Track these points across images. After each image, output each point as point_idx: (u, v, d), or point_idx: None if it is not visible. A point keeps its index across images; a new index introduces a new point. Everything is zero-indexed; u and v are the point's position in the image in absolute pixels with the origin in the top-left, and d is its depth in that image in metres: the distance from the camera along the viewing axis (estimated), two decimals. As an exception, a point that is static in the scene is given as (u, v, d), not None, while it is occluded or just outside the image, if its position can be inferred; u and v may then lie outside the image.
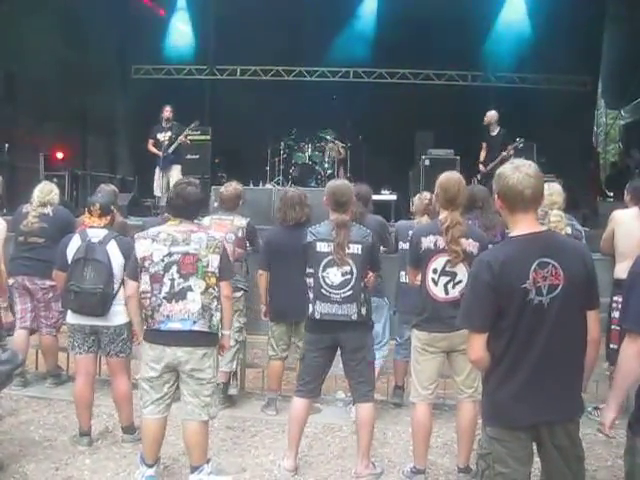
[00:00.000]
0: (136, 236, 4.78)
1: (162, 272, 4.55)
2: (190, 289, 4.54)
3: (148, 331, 4.65)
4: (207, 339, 4.61)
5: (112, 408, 5.75)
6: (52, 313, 6.68)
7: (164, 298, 4.54)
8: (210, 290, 4.58)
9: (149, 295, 4.58)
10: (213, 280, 4.59)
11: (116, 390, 5.54)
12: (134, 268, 4.70)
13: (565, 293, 3.07)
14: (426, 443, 4.92)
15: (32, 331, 6.76)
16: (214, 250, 4.60)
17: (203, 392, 4.63)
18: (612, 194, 14.66)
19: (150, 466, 4.75)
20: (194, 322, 4.54)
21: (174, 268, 4.54)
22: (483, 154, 11.78)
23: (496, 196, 3.26)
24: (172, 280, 4.54)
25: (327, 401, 6.48)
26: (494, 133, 11.76)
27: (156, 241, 4.59)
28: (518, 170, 3.16)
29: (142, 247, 4.64)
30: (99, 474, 4.96)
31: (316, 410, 6.15)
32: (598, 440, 5.01)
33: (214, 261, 4.58)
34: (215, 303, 4.62)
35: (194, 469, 4.70)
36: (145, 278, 4.60)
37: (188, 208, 4.73)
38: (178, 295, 4.53)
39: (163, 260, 4.55)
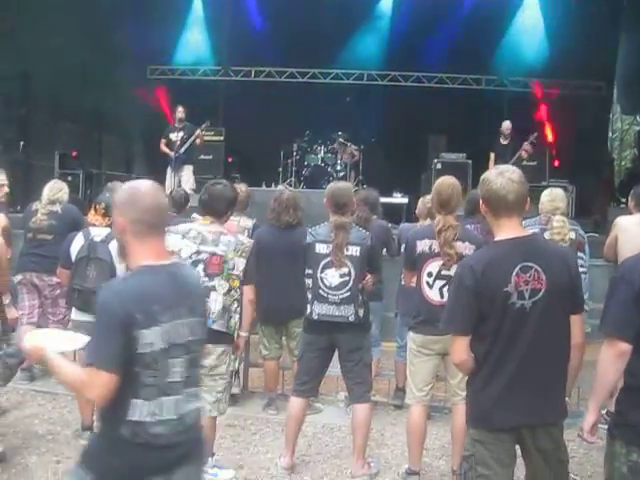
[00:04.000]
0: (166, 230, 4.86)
1: None
2: (214, 289, 4.63)
3: None
4: (225, 338, 4.71)
5: (114, 403, 5.83)
6: (59, 309, 6.76)
7: None
8: (232, 292, 4.69)
9: None
10: (237, 283, 4.70)
11: (118, 385, 5.62)
12: None
13: (547, 297, 3.11)
14: (421, 444, 4.96)
15: (39, 327, 6.85)
16: (241, 254, 4.71)
17: (217, 388, 4.74)
18: (625, 200, 14.57)
19: None
20: (213, 321, 4.61)
21: (200, 266, 4.63)
22: (492, 164, 11.81)
23: (481, 201, 3.31)
24: None
25: (328, 401, 6.53)
26: (505, 142, 11.89)
27: (186, 237, 4.70)
28: (502, 175, 3.21)
29: (171, 242, 4.68)
30: (99, 468, 5.05)
31: (317, 410, 6.23)
32: (595, 446, 5.02)
33: (240, 265, 4.69)
34: (235, 305, 4.72)
35: None
36: None
37: (217, 207, 4.84)
38: None
39: (191, 257, 4.65)
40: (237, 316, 4.75)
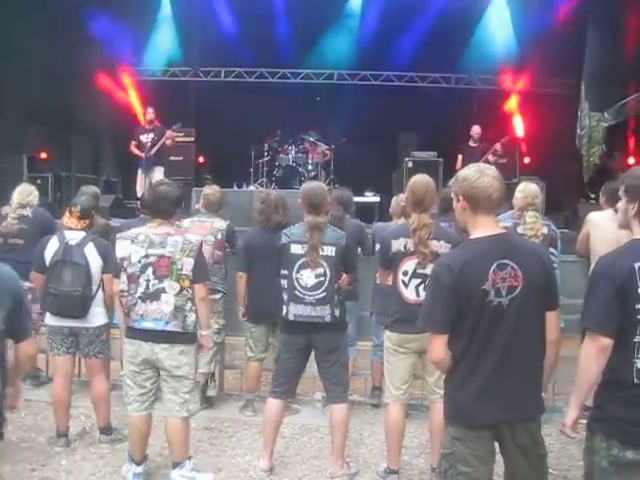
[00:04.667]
0: (117, 236, 4.92)
1: (138, 273, 4.66)
2: (164, 291, 4.65)
3: (127, 328, 4.79)
4: (182, 338, 4.70)
5: (90, 409, 5.79)
6: (31, 315, 6.67)
7: (139, 298, 4.67)
8: (184, 292, 4.68)
9: (126, 294, 4.72)
10: (187, 282, 4.67)
11: (94, 390, 5.58)
12: (117, 267, 4.84)
13: (524, 294, 3.14)
14: (399, 443, 4.97)
15: (11, 333, 6.75)
16: (188, 253, 4.67)
17: (182, 389, 4.74)
18: (594, 196, 14.73)
19: (138, 463, 4.86)
20: (167, 322, 4.65)
21: (150, 269, 4.65)
22: (459, 165, 11.93)
23: (460, 198, 3.30)
24: (147, 281, 4.66)
25: (305, 402, 6.53)
26: (474, 145, 12.07)
27: (135, 242, 4.70)
28: (484, 174, 3.23)
29: (121, 248, 4.76)
30: (75, 475, 5.01)
31: (294, 411, 6.21)
32: (572, 440, 5.07)
33: (188, 264, 4.66)
34: (189, 304, 4.70)
35: (175, 465, 4.82)
36: (123, 278, 4.75)
37: (162, 207, 4.82)
38: (152, 296, 4.65)
39: (140, 261, 4.67)
40: (193, 315, 4.72)
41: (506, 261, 3.14)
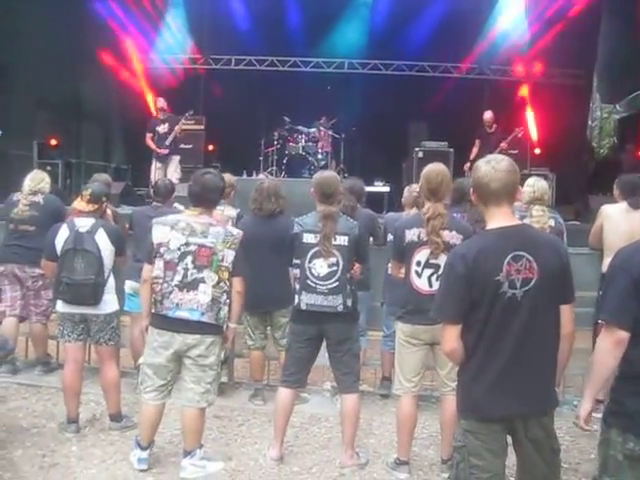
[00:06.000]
0: (154, 221, 4.86)
1: (177, 260, 4.64)
2: (203, 281, 4.63)
3: (156, 316, 4.74)
4: (214, 329, 4.72)
5: (100, 396, 5.79)
6: (42, 301, 6.71)
7: (176, 286, 4.63)
8: (221, 284, 4.68)
9: (161, 281, 4.67)
10: (226, 274, 4.69)
11: (104, 378, 5.57)
12: (150, 252, 4.78)
13: (539, 287, 3.11)
14: (410, 435, 4.97)
15: (22, 319, 6.78)
16: (230, 245, 4.69)
17: (205, 379, 4.74)
18: (605, 189, 14.63)
19: (144, 448, 4.86)
20: (202, 313, 4.64)
21: (189, 258, 4.64)
22: (475, 151, 11.90)
23: (472, 189, 3.31)
24: (186, 270, 4.64)
25: (314, 391, 6.51)
26: (491, 130, 12.03)
27: (175, 229, 4.68)
28: (488, 164, 3.22)
29: (160, 233, 4.71)
30: (86, 461, 5.01)
31: (303, 400, 6.20)
32: (582, 433, 5.03)
33: (229, 256, 4.68)
34: (224, 297, 4.71)
35: (187, 454, 4.82)
36: (159, 264, 4.69)
37: (211, 197, 4.84)
38: (190, 285, 4.63)
39: (179, 249, 4.65)
40: (226, 308, 4.74)
41: (521, 253, 3.11)
